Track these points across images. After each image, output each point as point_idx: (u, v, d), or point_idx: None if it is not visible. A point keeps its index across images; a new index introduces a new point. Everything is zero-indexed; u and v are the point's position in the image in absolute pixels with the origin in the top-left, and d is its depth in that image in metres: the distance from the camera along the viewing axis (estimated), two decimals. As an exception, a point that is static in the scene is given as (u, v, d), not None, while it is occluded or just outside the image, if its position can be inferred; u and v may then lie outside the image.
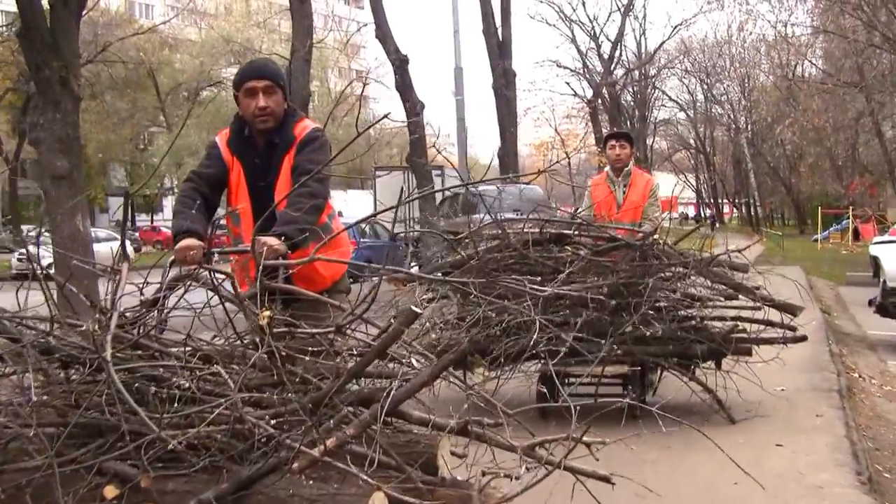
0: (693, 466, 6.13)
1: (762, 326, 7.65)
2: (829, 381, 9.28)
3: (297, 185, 4.25)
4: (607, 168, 9.10)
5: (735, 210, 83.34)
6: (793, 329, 7.68)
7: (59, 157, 13.61)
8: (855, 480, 5.98)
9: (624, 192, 8.84)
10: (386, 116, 4.79)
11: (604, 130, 50.83)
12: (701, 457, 6.07)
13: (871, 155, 39.99)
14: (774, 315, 7.68)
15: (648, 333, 7.07)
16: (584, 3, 46.49)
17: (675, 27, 51.68)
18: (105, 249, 25.94)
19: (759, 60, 51.75)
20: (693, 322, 7.45)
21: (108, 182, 62.01)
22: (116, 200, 62.38)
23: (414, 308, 2.84)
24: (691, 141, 72.10)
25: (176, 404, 3.03)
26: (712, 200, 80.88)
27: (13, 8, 16.34)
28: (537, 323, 4.85)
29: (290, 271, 4.44)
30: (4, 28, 35.84)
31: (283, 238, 4.27)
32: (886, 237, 14.83)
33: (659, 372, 7.95)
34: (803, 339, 7.76)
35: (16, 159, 46.58)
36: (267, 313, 3.13)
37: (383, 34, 23.58)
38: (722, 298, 7.82)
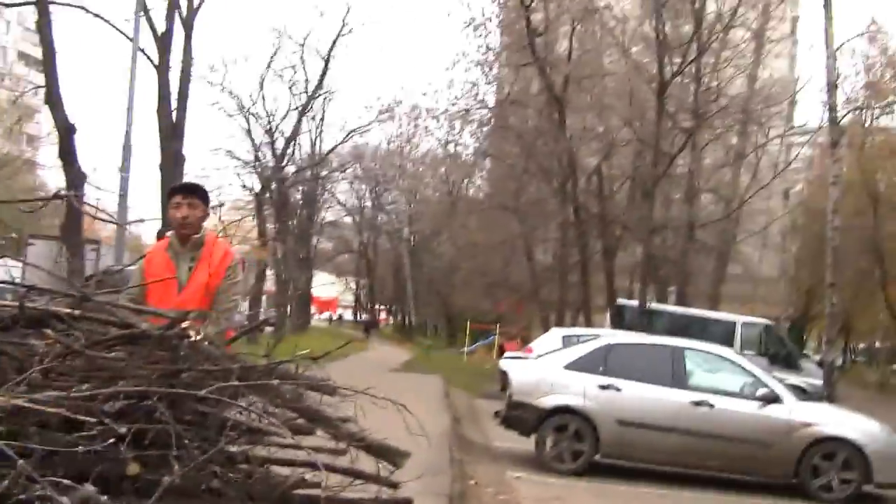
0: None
1: (349, 479, 5.04)
2: (442, 485, 9.34)
3: None
4: (171, 234, 6.54)
5: (391, 317, 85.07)
6: (393, 486, 5.18)
7: None
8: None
9: (190, 269, 6.41)
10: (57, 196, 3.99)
11: (269, 225, 50.84)
12: None
13: (521, 275, 41.73)
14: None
15: (164, 478, 4.11)
16: (263, 98, 46.66)
17: (349, 133, 52.58)
18: None
19: (425, 174, 53.43)
20: (240, 466, 4.79)
21: None
22: None
23: None
24: (355, 245, 73.24)
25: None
26: (369, 305, 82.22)
27: None
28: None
29: None
30: None
31: None
32: (516, 353, 15.42)
33: None
34: (407, 502, 5.26)
35: None
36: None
37: (53, 99, 22.70)
38: (288, 433, 4.82)
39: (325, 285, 78.29)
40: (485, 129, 36.42)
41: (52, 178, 44.04)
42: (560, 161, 30.79)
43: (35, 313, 4.49)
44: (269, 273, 50.21)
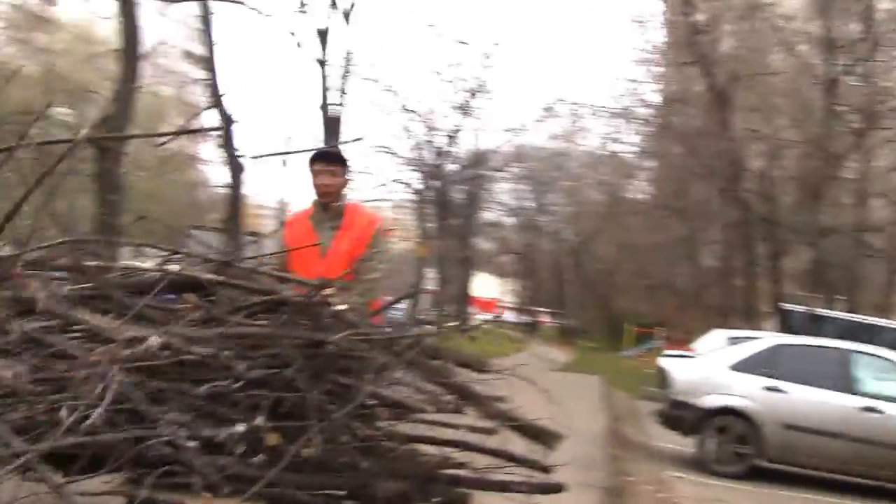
0: None
1: (497, 461, 4.74)
2: (598, 480, 9.24)
3: None
4: (314, 201, 6.37)
5: (551, 319, 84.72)
6: (545, 469, 4.75)
7: None
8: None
9: (332, 237, 6.16)
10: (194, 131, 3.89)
11: (430, 224, 51.22)
12: None
13: (683, 278, 41.12)
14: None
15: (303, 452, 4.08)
16: (424, 96, 47.23)
17: (510, 131, 52.54)
18: None
19: (587, 174, 53.02)
20: (384, 443, 4.57)
21: None
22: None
23: None
24: (516, 246, 73.05)
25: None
26: (530, 307, 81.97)
27: None
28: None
29: None
30: None
31: None
32: (676, 351, 15.14)
33: None
34: (557, 489, 4.76)
35: None
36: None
37: (214, 94, 23.38)
38: (429, 409, 4.60)
39: (485, 286, 78.53)
40: (647, 128, 36.07)
41: (217, 173, 45.29)
42: (724, 161, 30.18)
43: (177, 279, 4.45)
44: (430, 272, 50.63)
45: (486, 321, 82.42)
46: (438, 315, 46.28)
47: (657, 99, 35.30)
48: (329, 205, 6.19)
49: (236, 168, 22.72)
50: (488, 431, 4.73)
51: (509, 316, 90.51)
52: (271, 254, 5.93)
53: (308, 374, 4.13)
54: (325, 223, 6.16)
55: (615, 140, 42.43)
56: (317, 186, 6.20)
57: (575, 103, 46.01)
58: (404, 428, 4.63)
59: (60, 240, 4.63)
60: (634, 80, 33.56)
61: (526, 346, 47.72)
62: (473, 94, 48.10)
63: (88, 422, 3.35)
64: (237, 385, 3.81)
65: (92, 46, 56.52)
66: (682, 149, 32.83)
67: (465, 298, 58.37)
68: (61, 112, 38.98)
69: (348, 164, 6.43)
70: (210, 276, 4.51)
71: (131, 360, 3.63)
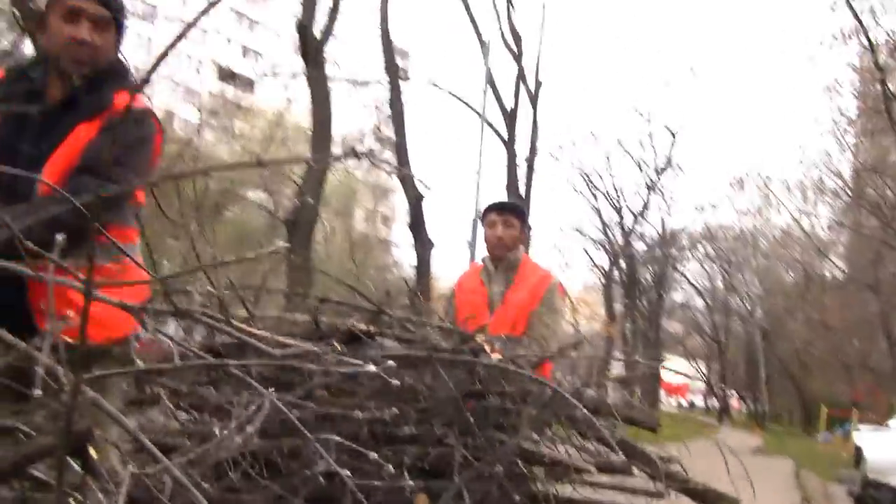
0: None
1: None
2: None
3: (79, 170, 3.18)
4: (484, 257, 6.11)
5: (742, 404, 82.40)
6: None
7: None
8: None
9: (503, 292, 5.81)
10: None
11: (616, 305, 50.63)
12: None
13: (880, 357, 39.59)
14: None
15: None
16: (612, 175, 47.23)
17: (700, 208, 51.98)
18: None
19: (780, 255, 51.75)
20: None
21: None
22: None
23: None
24: (706, 328, 71.63)
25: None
26: (721, 391, 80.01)
27: None
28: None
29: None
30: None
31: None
32: (872, 427, 14.39)
33: None
34: None
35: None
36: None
37: (403, 173, 23.67)
38: (592, 469, 4.28)
39: (674, 372, 77.17)
40: (839, 200, 35.04)
41: (406, 256, 46.04)
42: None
43: (329, 327, 4.22)
44: (617, 353, 50.00)
45: (677, 406, 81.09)
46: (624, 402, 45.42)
47: (849, 170, 34.26)
48: (502, 258, 5.89)
49: (425, 244, 22.90)
50: (656, 495, 4.31)
51: (699, 401, 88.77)
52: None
53: (459, 428, 3.89)
54: (497, 277, 5.87)
55: (807, 214, 41.39)
56: (489, 238, 5.93)
57: (765, 176, 45.16)
58: (566, 490, 4.30)
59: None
60: (826, 152, 32.69)
61: (715, 431, 46.46)
62: (662, 172, 47.76)
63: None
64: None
65: (286, 131, 58.76)
66: (877, 221, 31.63)
67: (654, 382, 57.34)
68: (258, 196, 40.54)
69: (526, 218, 6.15)
70: (362, 325, 4.27)
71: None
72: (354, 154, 4.06)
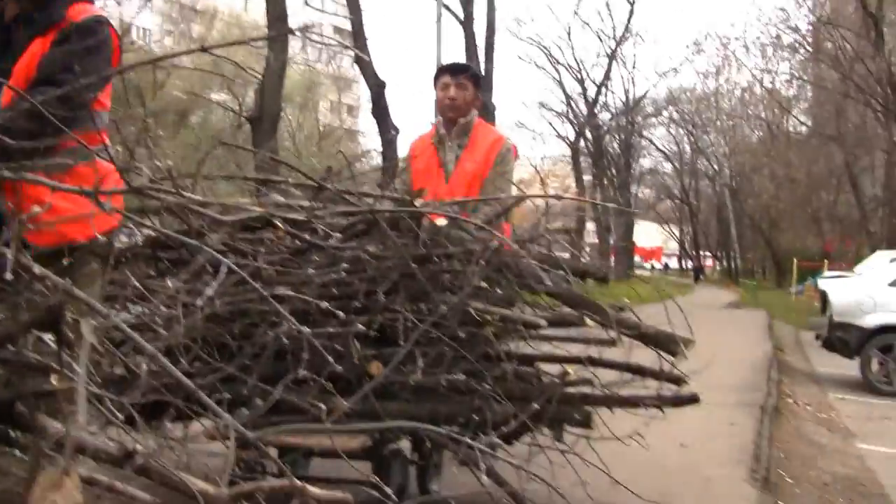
0: None
1: (626, 375, 4.61)
2: (756, 399, 9.28)
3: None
4: (437, 120, 5.74)
5: (717, 263, 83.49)
6: (677, 381, 4.54)
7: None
8: (748, 477, 5.97)
9: (457, 157, 5.53)
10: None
11: (584, 176, 50.96)
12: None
13: (847, 208, 40.19)
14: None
15: (411, 381, 4.06)
16: (572, 48, 47.14)
17: (662, 74, 52.06)
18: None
19: (744, 113, 52.03)
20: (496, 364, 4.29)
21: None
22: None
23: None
24: (676, 192, 72.15)
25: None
26: (695, 253, 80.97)
27: None
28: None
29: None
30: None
31: None
32: (835, 273, 14.93)
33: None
34: (693, 400, 4.58)
35: None
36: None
37: (363, 61, 23.69)
38: (543, 323, 4.42)
39: (647, 235, 77.87)
40: (798, 55, 35.26)
41: (372, 144, 46.00)
42: (880, 83, 29.24)
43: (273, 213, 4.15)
44: (590, 224, 50.56)
45: (651, 269, 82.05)
46: (603, 267, 45.88)
47: (806, 25, 34.42)
48: (455, 122, 5.55)
49: (389, 131, 23.06)
50: (609, 343, 4.47)
51: (673, 263, 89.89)
52: (364, 172, 5.47)
53: (405, 295, 4.06)
54: (451, 142, 5.56)
55: (767, 72, 41.61)
56: (441, 100, 5.60)
57: (723, 37, 45.29)
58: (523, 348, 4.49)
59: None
60: (782, 8, 32.88)
61: (691, 291, 47.31)
62: (621, 41, 47.80)
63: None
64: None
65: (245, 31, 58.28)
66: (837, 73, 31.94)
67: (627, 248, 57.97)
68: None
69: (480, 82, 5.83)
70: (303, 202, 4.43)
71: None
72: (300, 31, 4.34)
